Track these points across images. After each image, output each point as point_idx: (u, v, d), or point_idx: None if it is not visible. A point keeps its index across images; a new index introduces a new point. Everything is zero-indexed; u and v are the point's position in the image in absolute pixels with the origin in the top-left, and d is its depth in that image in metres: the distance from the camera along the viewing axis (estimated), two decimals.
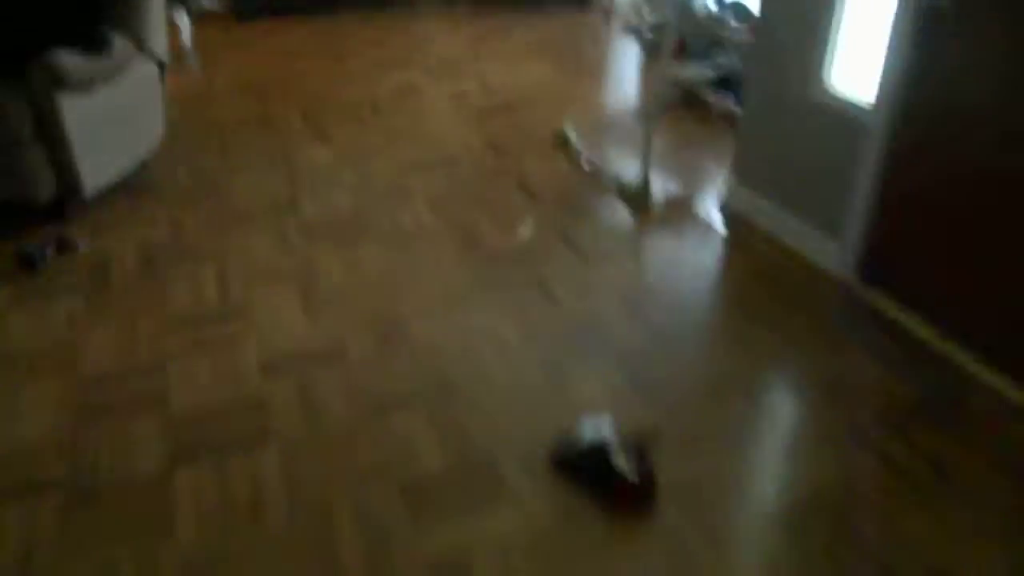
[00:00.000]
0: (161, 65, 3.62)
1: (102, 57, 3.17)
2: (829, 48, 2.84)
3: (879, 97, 2.64)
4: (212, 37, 5.64)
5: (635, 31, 5.78)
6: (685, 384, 2.46)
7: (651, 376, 2.47)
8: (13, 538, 1.91)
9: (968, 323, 2.50)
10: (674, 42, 4.15)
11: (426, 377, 2.45)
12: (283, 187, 3.63)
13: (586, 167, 3.82)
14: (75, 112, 3.08)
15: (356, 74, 5.06)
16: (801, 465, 2.20)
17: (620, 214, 3.46)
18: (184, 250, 3.12)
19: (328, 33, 5.83)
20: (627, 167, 3.71)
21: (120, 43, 3.28)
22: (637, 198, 3.50)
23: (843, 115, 2.82)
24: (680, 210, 3.51)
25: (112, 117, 3.30)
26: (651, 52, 5.33)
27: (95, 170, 3.24)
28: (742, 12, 4.34)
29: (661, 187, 3.61)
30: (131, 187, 3.55)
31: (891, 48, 2.57)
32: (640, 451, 2.09)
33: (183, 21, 5.33)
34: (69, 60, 3.00)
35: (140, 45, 3.42)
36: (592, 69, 5.37)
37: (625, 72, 5.40)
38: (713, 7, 4.53)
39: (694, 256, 3.16)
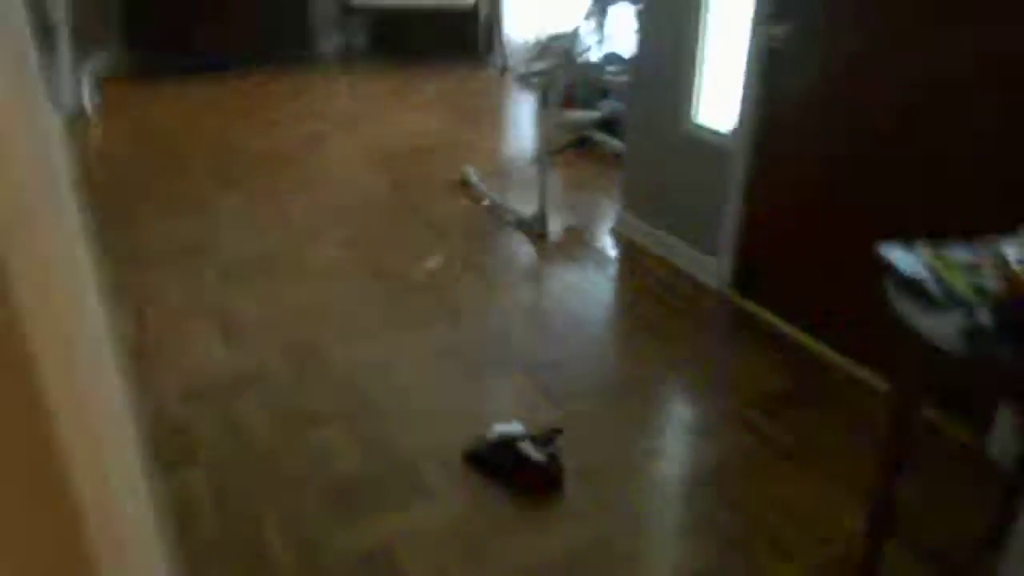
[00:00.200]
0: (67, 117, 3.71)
1: None
2: (694, 87, 3.21)
3: (737, 126, 3.02)
4: (114, 94, 5.70)
5: (527, 82, 6.18)
6: (587, 387, 2.70)
7: (556, 382, 2.71)
8: None
9: (824, 319, 2.85)
10: (563, 90, 4.52)
11: (346, 395, 2.61)
12: (198, 231, 3.74)
13: (487, 205, 4.09)
14: None
15: (264, 127, 5.22)
16: (690, 447, 2.46)
17: (521, 245, 3.73)
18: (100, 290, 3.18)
19: (233, 91, 5.98)
20: (526, 203, 4.00)
21: None
22: (536, 230, 3.78)
23: (710, 145, 3.19)
24: (576, 239, 3.81)
25: None
26: (542, 100, 5.72)
27: None
28: (618, 60, 4.76)
29: (557, 219, 3.91)
30: None
31: (743, 84, 2.95)
32: (547, 441, 2.30)
33: (85, 78, 5.40)
34: None
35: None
36: (489, 118, 5.70)
37: (520, 119, 5.76)
38: (594, 58, 4.94)
39: (590, 279, 3.44)
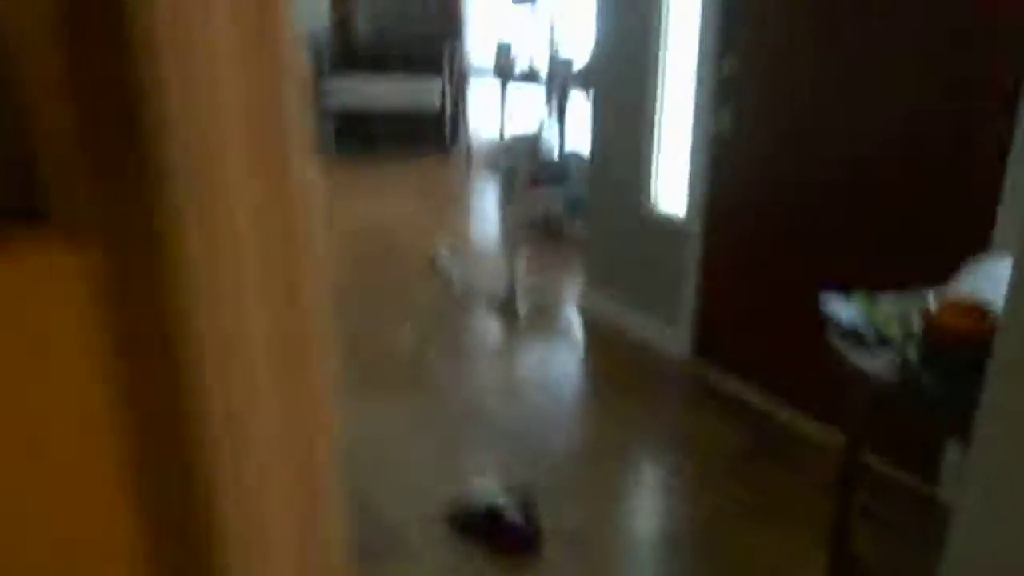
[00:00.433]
0: None
1: None
2: (651, 174, 3.46)
3: (690, 207, 3.25)
4: None
5: (492, 173, 6.47)
6: (561, 451, 2.81)
7: (531, 447, 2.81)
8: None
9: (780, 379, 3.01)
10: (528, 178, 4.77)
11: None
12: None
13: (459, 286, 4.26)
14: None
15: None
16: (660, 507, 2.57)
17: (492, 323, 3.87)
18: None
19: None
20: (495, 284, 4.16)
21: None
22: (506, 309, 3.94)
23: (666, 224, 3.41)
24: (544, 317, 3.98)
25: None
26: (508, 187, 5.98)
27: None
28: (577, 158, 5.06)
29: (526, 299, 4.08)
30: None
31: (692, 167, 3.20)
32: (525, 503, 2.39)
33: None
34: None
35: None
36: (457, 206, 5.94)
37: (486, 207, 6.00)
38: (556, 153, 5.25)
39: (560, 353, 3.59)
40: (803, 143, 2.77)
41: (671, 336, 3.47)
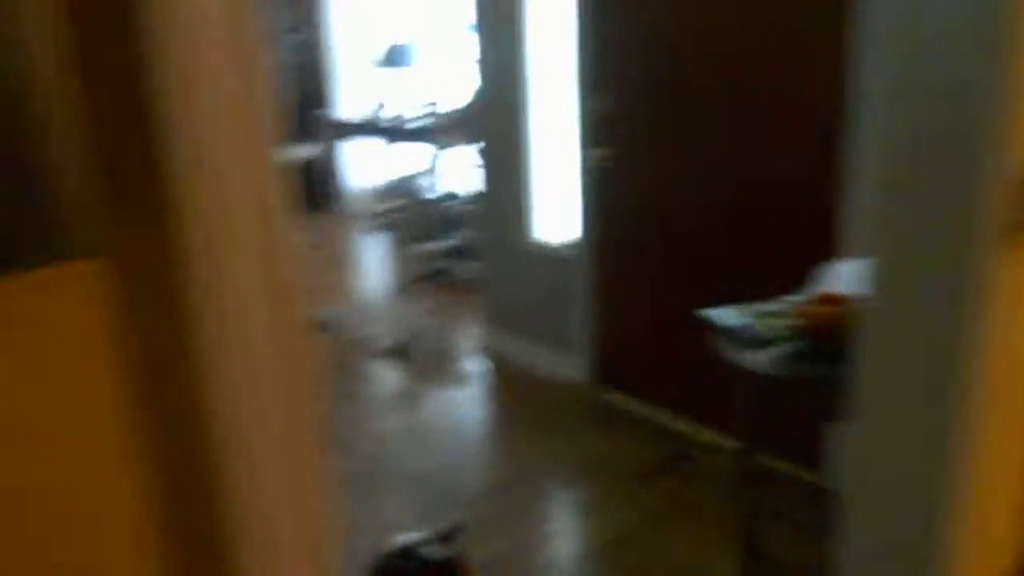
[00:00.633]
0: None
1: None
2: (535, 209, 3.64)
3: (579, 235, 3.43)
4: None
5: (376, 223, 6.52)
6: (476, 489, 2.87)
7: (446, 489, 2.85)
8: None
9: (678, 394, 3.20)
10: (412, 226, 4.87)
11: None
12: None
13: (353, 340, 4.27)
14: None
15: None
16: (579, 527, 2.67)
17: (392, 374, 3.90)
18: None
19: None
20: (391, 334, 4.20)
21: None
22: (405, 356, 3.98)
23: (556, 256, 3.58)
24: (445, 361, 4.04)
25: None
26: (395, 237, 6.06)
27: None
28: (462, 196, 5.22)
29: (424, 344, 4.13)
30: None
31: (579, 198, 3.39)
32: (448, 540, 2.43)
33: None
34: None
35: None
36: (343, 260, 5.95)
37: (373, 259, 6.04)
38: (438, 194, 5.38)
39: (464, 394, 3.66)
40: (678, 173, 3.00)
41: (571, 364, 3.61)
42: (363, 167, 6.98)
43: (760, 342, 1.76)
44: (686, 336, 2.99)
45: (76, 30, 0.58)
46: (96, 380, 0.63)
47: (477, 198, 4.01)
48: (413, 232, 4.88)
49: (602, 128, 3.21)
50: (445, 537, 2.45)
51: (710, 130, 2.86)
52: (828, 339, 1.56)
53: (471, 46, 3.73)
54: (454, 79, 6.26)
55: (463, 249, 5.14)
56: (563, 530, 2.68)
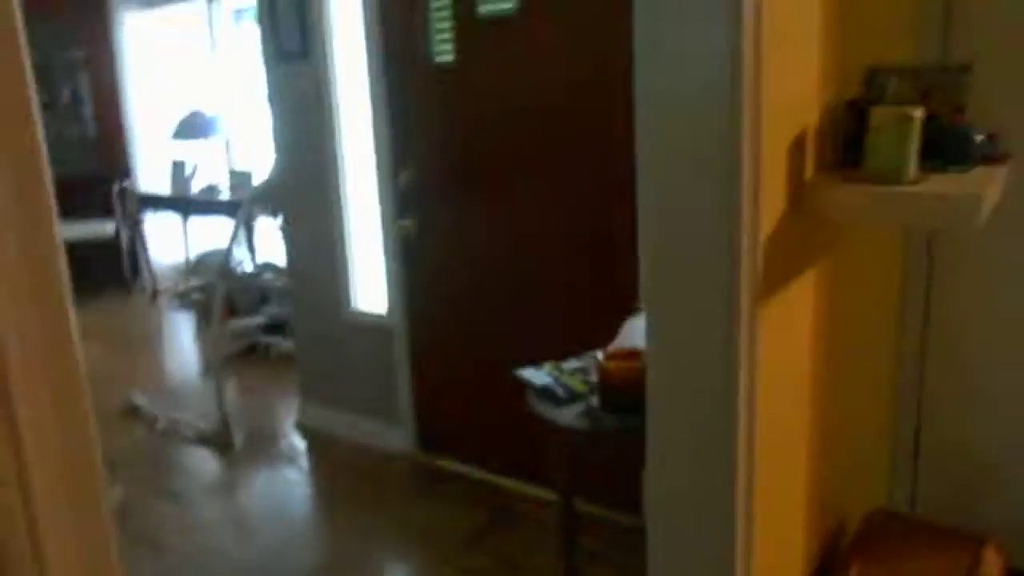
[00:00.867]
0: None
1: None
2: (349, 280, 3.62)
3: (392, 307, 3.45)
4: None
5: (183, 300, 6.19)
6: (303, 571, 2.76)
7: (272, 575, 2.72)
8: None
9: (500, 455, 3.26)
10: (223, 302, 4.67)
11: None
12: None
13: (163, 426, 4.00)
14: None
15: None
16: None
17: (208, 460, 3.69)
18: None
19: None
20: (204, 417, 3.98)
21: None
22: (220, 441, 3.78)
23: (372, 325, 3.57)
24: (263, 442, 3.87)
25: None
26: (204, 314, 5.77)
27: None
28: (273, 268, 5.08)
29: (240, 426, 3.94)
30: None
31: (389, 270, 3.42)
32: None
33: None
34: None
35: None
36: (148, 342, 5.58)
37: (181, 338, 5.71)
38: (250, 267, 5.21)
39: (284, 474, 3.52)
40: (484, 238, 3.11)
41: (394, 434, 3.58)
42: (168, 242, 6.63)
43: (566, 398, 1.85)
44: (503, 396, 3.07)
45: None
46: None
47: (290, 271, 3.93)
48: (222, 308, 4.68)
49: (407, 199, 3.27)
50: None
51: (512, 195, 3.00)
52: (623, 391, 1.67)
53: (270, 117, 3.69)
54: (252, 150, 6.15)
55: (277, 324, 4.99)
56: None
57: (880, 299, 2.36)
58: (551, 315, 2.98)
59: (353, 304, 3.64)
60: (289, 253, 3.89)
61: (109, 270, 6.58)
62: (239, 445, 3.78)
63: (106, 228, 6.45)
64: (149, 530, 3.06)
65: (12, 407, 0.64)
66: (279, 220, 4.36)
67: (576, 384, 1.89)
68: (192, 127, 6.05)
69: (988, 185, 1.43)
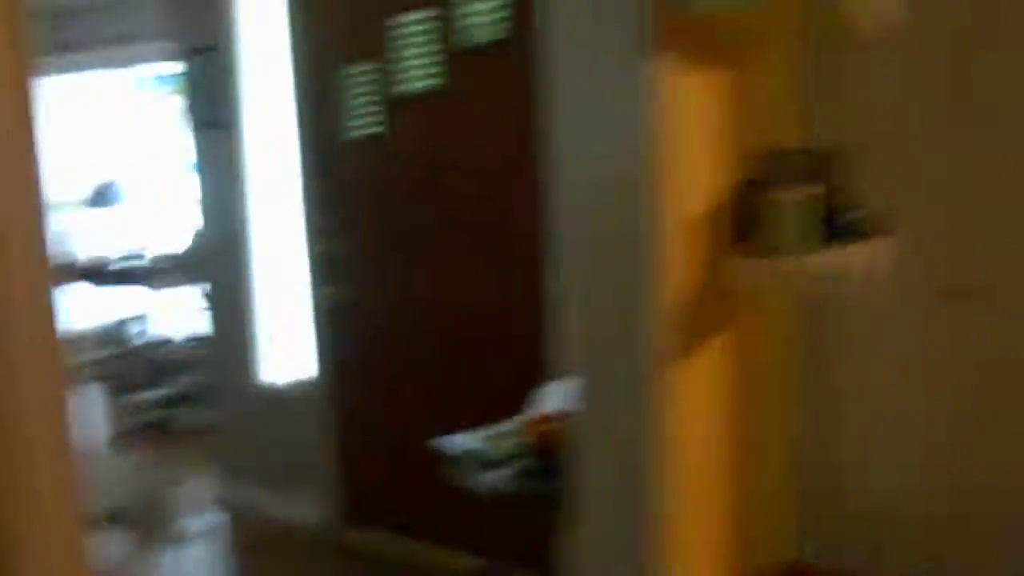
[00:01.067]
0: None
1: None
2: (268, 351, 3.58)
3: (318, 376, 3.42)
4: None
5: (86, 371, 5.92)
6: None
7: None
8: None
9: (432, 525, 3.22)
10: (126, 374, 4.52)
11: None
12: None
13: None
14: None
15: None
16: None
17: (115, 544, 3.51)
18: None
19: None
20: (110, 499, 3.80)
21: None
22: (124, 520, 3.61)
23: (291, 396, 3.53)
24: (171, 519, 3.72)
25: None
26: (105, 387, 5.53)
27: None
28: (171, 341, 4.97)
29: (150, 507, 3.78)
30: None
31: (313, 337, 3.40)
32: None
33: None
34: None
35: None
36: None
37: (85, 410, 5.45)
38: (150, 340, 5.07)
39: (195, 553, 3.39)
40: (407, 307, 3.15)
41: (318, 508, 3.51)
42: (69, 313, 6.37)
43: (487, 463, 1.90)
44: (427, 465, 3.08)
45: None
46: None
47: (202, 341, 3.86)
48: (125, 381, 4.52)
49: (334, 267, 3.30)
50: None
51: (432, 266, 3.07)
52: (551, 454, 1.74)
53: (189, 187, 3.68)
54: (166, 219, 6.05)
55: (185, 396, 4.84)
56: None
57: (782, 365, 2.52)
58: (469, 384, 3.02)
59: (270, 375, 3.60)
60: (205, 323, 3.83)
61: None
62: (145, 525, 3.62)
63: None
64: None
65: None
66: (196, 289, 4.29)
67: (501, 448, 1.94)
68: (98, 196, 5.91)
69: (866, 257, 1.60)
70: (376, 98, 3.04)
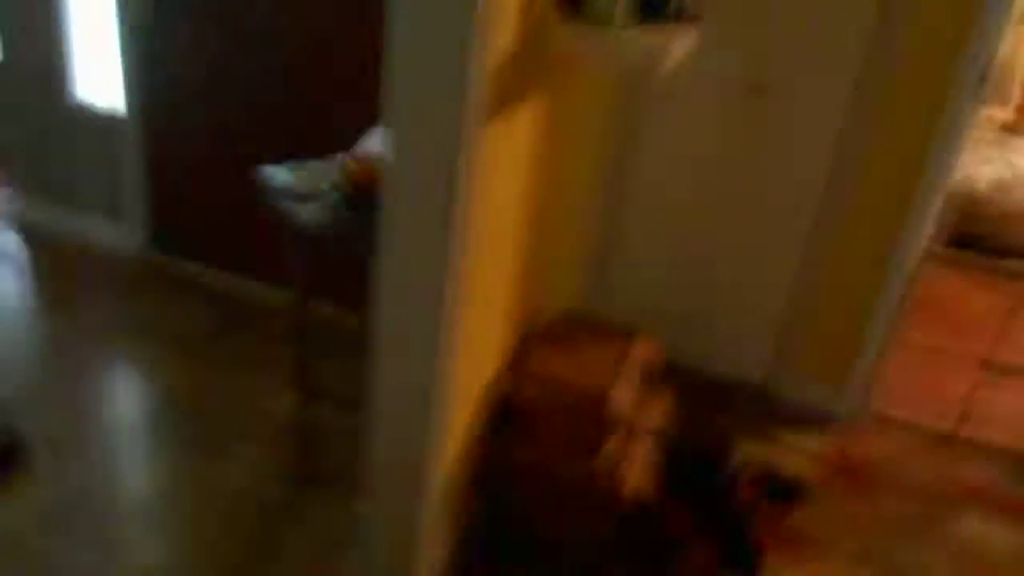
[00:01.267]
0: None
1: None
2: (75, 67, 3.31)
3: (127, 99, 3.23)
4: None
5: None
6: (25, 371, 2.72)
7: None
8: None
9: (239, 257, 3.30)
10: None
11: None
12: None
13: None
14: None
15: None
16: (142, 390, 2.74)
17: None
18: None
19: None
20: None
21: None
22: None
23: (103, 119, 3.33)
24: None
25: None
26: None
27: None
28: None
29: None
30: None
31: (123, 59, 3.18)
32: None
33: None
34: None
35: None
36: None
37: None
38: None
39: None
40: (231, 30, 2.98)
41: (124, 233, 3.47)
42: None
43: (306, 196, 1.98)
44: (243, 197, 3.09)
45: None
46: None
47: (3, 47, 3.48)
48: None
49: None
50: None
51: None
52: (362, 192, 1.84)
53: None
54: None
55: None
56: (123, 398, 2.71)
57: (592, 133, 2.71)
58: (296, 118, 2.99)
59: (78, 94, 3.36)
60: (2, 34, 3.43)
61: None
62: None
63: None
64: None
65: None
66: None
67: (316, 183, 2.01)
68: None
69: (676, 38, 1.73)
70: None
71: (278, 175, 2.06)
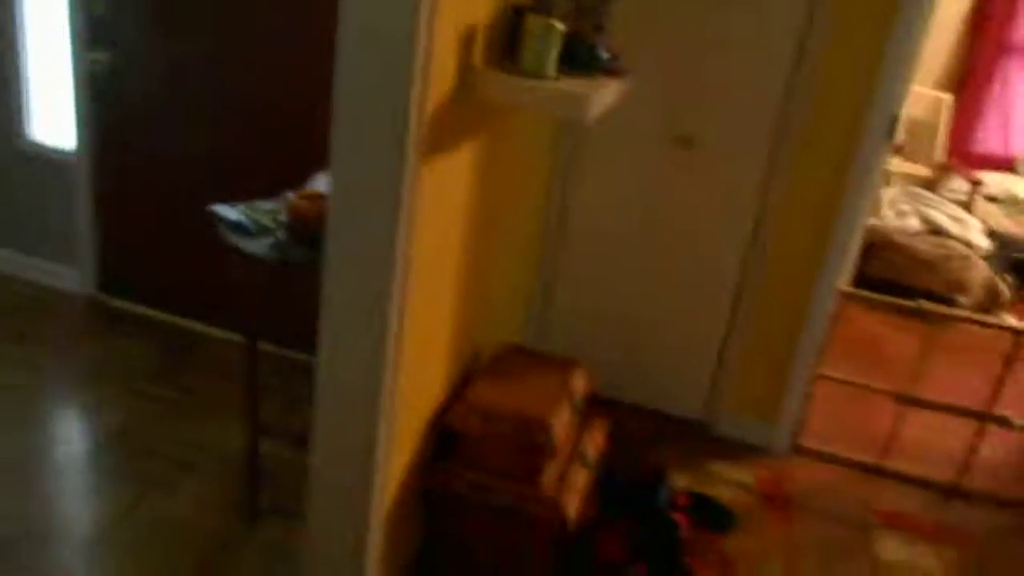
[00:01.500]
0: None
1: None
2: (25, 109, 3.37)
3: (79, 141, 3.30)
4: None
5: None
6: None
7: None
8: None
9: (189, 298, 3.36)
10: None
11: None
12: None
13: None
14: None
15: None
16: (86, 425, 2.74)
17: None
18: None
19: None
20: None
21: None
22: None
23: (52, 161, 3.39)
24: None
25: None
26: None
27: None
28: None
29: None
30: None
31: (75, 102, 3.25)
32: None
33: None
34: None
35: None
36: None
37: None
38: None
39: None
40: (185, 74, 3.09)
41: (72, 275, 3.49)
42: None
43: (255, 232, 2.08)
44: (193, 239, 3.17)
45: None
46: None
47: None
48: None
49: (97, 31, 3.12)
50: None
51: (215, 38, 3.01)
52: (309, 228, 1.94)
53: None
54: None
55: None
56: (65, 433, 2.72)
57: (530, 181, 2.86)
58: (247, 162, 3.09)
59: (28, 136, 3.41)
60: None
61: None
62: None
63: None
64: None
65: None
66: None
67: (266, 221, 2.11)
68: None
69: (603, 89, 1.90)
70: None
71: (229, 213, 2.16)
